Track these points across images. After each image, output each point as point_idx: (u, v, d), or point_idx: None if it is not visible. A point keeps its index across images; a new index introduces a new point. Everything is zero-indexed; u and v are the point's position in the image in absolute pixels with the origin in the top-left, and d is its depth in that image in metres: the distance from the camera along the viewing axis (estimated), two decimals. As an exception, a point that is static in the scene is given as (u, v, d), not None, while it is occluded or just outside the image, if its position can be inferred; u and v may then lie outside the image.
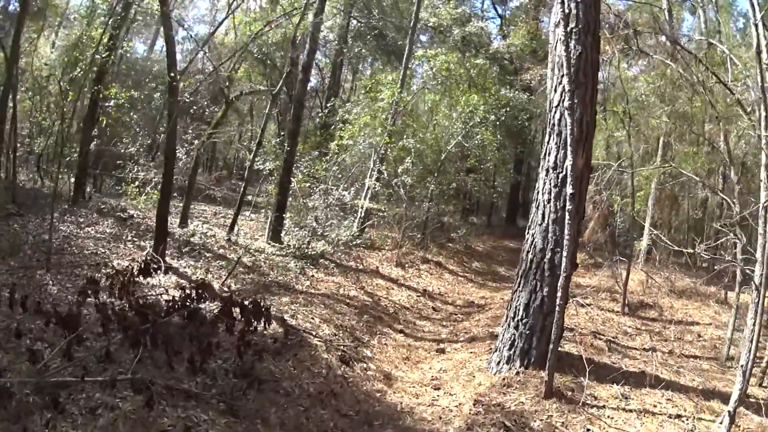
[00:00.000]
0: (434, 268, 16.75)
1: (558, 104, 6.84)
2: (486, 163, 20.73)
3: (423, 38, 28.65)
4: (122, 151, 15.57)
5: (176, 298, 6.75)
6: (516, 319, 6.97)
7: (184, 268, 11.30)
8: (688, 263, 19.50)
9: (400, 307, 11.91)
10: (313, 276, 12.55)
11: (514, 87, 23.95)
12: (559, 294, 5.90)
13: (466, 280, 16.92)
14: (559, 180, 6.50)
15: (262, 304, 7.07)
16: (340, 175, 17.91)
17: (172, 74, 10.98)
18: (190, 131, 17.04)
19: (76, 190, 14.54)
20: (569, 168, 5.96)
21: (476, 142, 19.23)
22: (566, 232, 5.82)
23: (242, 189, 15.10)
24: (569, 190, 5.82)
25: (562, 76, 6.88)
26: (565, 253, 5.74)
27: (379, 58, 28.08)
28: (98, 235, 11.75)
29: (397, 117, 17.99)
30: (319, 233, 15.00)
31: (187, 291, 7.02)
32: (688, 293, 14.65)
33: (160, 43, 29.13)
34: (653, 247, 17.84)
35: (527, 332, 6.88)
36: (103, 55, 14.14)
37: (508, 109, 20.84)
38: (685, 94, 15.62)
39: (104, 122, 14.66)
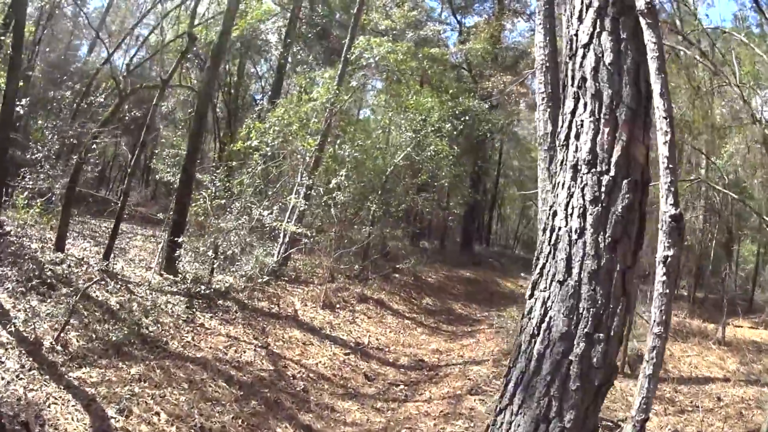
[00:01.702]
0: (374, 308, 13.23)
1: (591, 39, 3.43)
2: (440, 180, 17.31)
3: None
4: (28, 156, 12.04)
5: None
6: (503, 466, 3.44)
7: (18, 311, 7.66)
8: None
9: (316, 378, 8.24)
10: (202, 325, 9.00)
11: (474, 95, 20.62)
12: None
13: (415, 323, 13.44)
14: (603, 187, 3.06)
15: None
16: (269, 190, 14.26)
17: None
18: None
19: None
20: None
21: (429, 154, 15.90)
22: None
23: (120, 203, 11.27)
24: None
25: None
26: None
27: (322, 62, 24.59)
28: (-47, 257, 8.38)
29: (333, 120, 14.51)
30: (225, 263, 11.38)
31: None
32: (683, 332, 12.94)
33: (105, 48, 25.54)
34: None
35: (525, 492, 3.36)
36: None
37: (466, 118, 17.52)
38: (686, 97, 12.73)
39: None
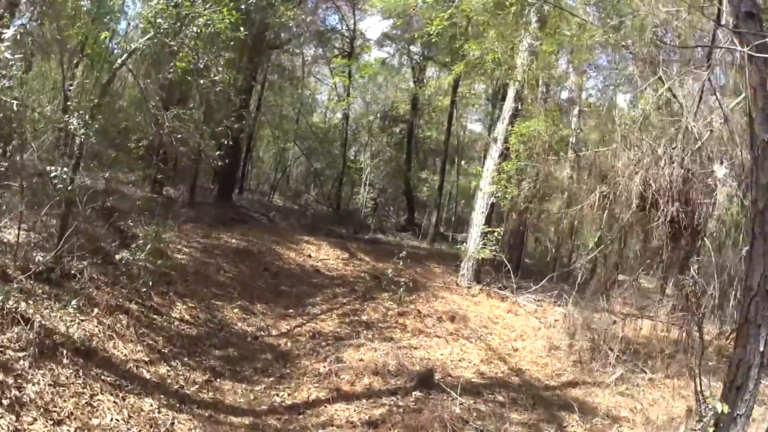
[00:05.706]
0: (70, 372, 5.51)
1: None
2: (210, 78, 9.16)
3: None
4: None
5: None
6: None
7: None
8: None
9: None
10: None
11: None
12: None
13: (167, 398, 6.13)
14: None
15: None
16: None
17: None
18: None
19: None
20: None
21: (196, 30, 8.21)
22: None
23: None
24: None
25: None
26: None
27: None
28: None
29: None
30: None
31: None
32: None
33: None
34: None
35: None
36: None
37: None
38: None
39: None
